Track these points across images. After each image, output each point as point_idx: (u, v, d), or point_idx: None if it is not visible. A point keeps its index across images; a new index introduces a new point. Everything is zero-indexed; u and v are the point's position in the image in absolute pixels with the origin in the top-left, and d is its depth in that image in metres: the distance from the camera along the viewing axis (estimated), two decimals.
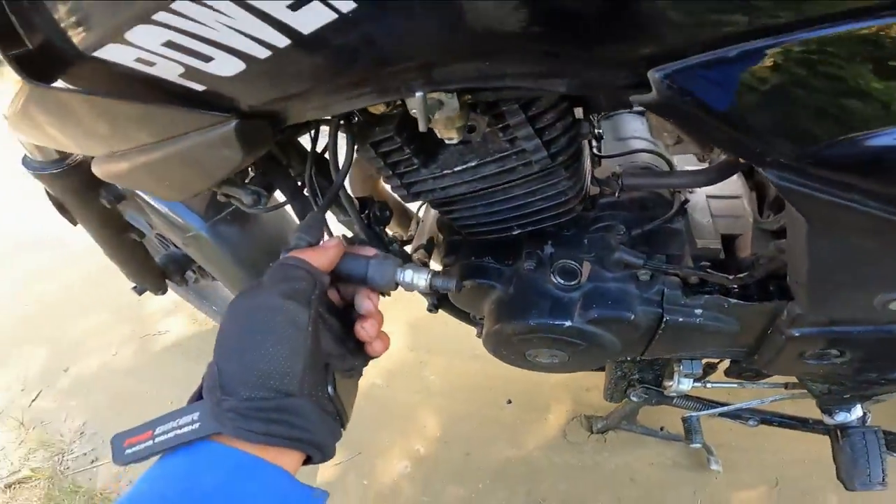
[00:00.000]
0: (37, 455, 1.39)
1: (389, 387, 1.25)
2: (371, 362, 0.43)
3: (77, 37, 0.33)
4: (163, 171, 0.45)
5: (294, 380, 0.34)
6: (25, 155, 0.75)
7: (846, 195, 0.32)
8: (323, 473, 1.13)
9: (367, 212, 0.57)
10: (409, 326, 1.36)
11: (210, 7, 0.28)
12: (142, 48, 0.32)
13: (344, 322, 0.40)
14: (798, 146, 0.30)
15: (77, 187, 0.77)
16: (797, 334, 0.50)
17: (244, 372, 0.34)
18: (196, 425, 0.33)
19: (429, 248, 0.70)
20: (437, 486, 1.09)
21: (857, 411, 0.66)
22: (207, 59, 0.32)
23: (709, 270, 0.52)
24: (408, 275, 0.41)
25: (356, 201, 0.57)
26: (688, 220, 0.58)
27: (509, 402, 1.20)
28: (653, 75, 0.27)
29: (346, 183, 0.57)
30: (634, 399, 0.80)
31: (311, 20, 0.28)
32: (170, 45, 0.31)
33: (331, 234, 0.48)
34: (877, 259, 0.39)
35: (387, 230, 0.63)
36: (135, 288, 1.06)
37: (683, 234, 0.56)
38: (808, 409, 0.75)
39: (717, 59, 0.26)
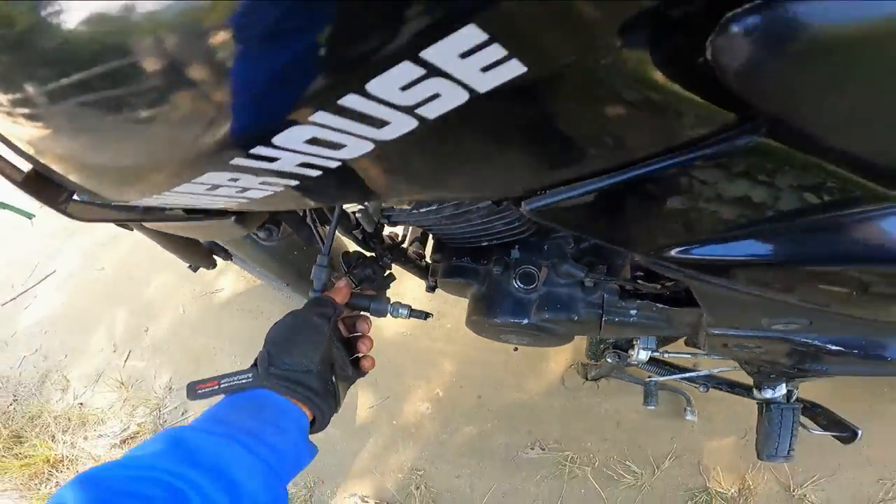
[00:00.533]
0: (138, 411, 1.60)
1: (413, 335, 1.43)
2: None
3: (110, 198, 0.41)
4: (188, 231, 0.61)
5: (314, 363, 0.54)
6: None
7: (698, 278, 0.41)
8: (359, 415, 1.35)
9: (360, 227, 0.69)
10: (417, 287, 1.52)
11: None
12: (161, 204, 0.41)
13: (346, 347, 0.61)
14: (645, 250, 0.39)
15: None
16: (716, 332, 0.61)
17: (285, 354, 0.53)
18: (250, 379, 0.52)
19: (423, 240, 0.83)
20: (453, 425, 1.30)
21: (782, 389, 0.75)
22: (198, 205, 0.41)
23: (640, 281, 0.62)
24: (395, 310, 0.64)
25: (352, 219, 0.68)
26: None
27: (515, 349, 1.34)
28: (524, 207, 0.37)
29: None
30: (609, 360, 0.93)
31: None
32: (170, 202, 0.40)
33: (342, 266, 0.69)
34: (748, 302, 0.48)
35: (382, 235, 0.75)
36: (189, 266, 1.23)
37: None
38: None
39: (566, 197, 0.35)
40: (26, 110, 0.29)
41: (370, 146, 0.28)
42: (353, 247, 0.74)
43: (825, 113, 0.26)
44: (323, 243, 0.66)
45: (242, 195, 0.36)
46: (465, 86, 0.23)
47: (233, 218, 0.50)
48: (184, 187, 0.34)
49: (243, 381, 0.53)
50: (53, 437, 1.57)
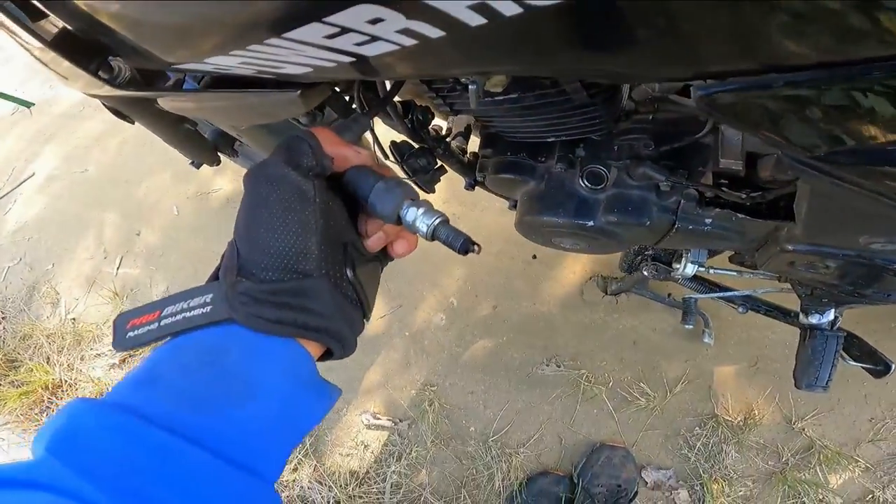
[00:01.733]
0: None
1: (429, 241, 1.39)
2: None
3: (165, 58, 0.35)
4: (229, 113, 0.52)
5: (310, 259, 0.32)
6: None
7: (844, 181, 0.37)
8: (370, 325, 1.33)
9: (410, 115, 0.63)
10: (445, 180, 1.45)
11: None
12: (220, 65, 0.34)
13: (356, 208, 0.38)
14: (808, 149, 0.35)
15: (130, 98, 0.76)
16: (791, 248, 0.57)
17: (258, 251, 0.32)
18: (207, 308, 0.31)
19: (466, 135, 0.76)
20: (468, 337, 1.29)
21: (830, 315, 0.74)
22: (278, 67, 0.34)
23: (725, 189, 0.57)
24: (411, 213, 0.35)
25: (399, 106, 0.62)
26: (718, 137, 0.61)
27: (534, 257, 1.32)
28: (694, 93, 0.32)
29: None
30: (646, 273, 0.91)
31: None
32: (245, 64, 0.33)
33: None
34: (864, 217, 0.45)
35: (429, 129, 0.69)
36: (192, 163, 1.13)
37: (710, 150, 0.60)
38: (794, 302, 0.85)
39: (747, 86, 0.30)
40: None
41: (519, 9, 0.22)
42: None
43: None
44: (372, 131, 0.59)
45: (360, 49, 0.29)
46: None
47: (298, 92, 0.41)
48: (304, 32, 0.27)
49: (195, 312, 0.32)
50: (48, 358, 1.53)
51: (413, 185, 0.42)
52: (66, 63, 0.36)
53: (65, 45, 0.34)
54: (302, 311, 0.32)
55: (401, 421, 1.27)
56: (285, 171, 0.33)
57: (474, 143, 0.75)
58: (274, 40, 0.29)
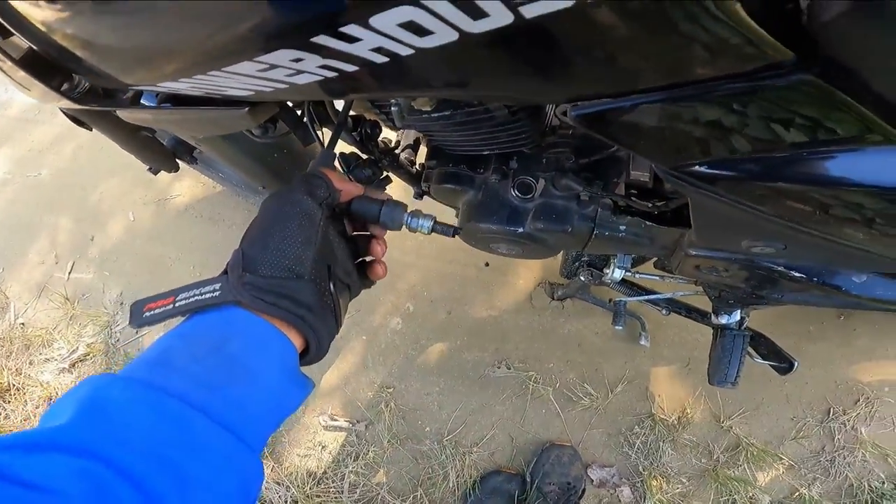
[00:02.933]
0: (87, 330, 1.51)
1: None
2: None
3: (122, 79, 0.39)
4: (186, 125, 0.56)
5: (305, 265, 0.40)
6: None
7: (707, 191, 0.44)
8: None
9: (359, 129, 0.68)
10: (403, 196, 1.50)
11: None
12: (171, 88, 0.39)
13: (350, 243, 0.48)
14: (670, 164, 0.42)
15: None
16: (693, 253, 0.65)
17: (266, 254, 0.39)
18: (216, 293, 0.38)
19: (415, 147, 0.81)
20: (423, 341, 1.34)
21: (737, 316, 0.82)
22: (224, 90, 0.40)
23: (634, 198, 0.65)
24: (414, 221, 0.51)
25: (349, 120, 0.67)
26: (630, 151, 0.69)
27: (487, 265, 1.38)
28: (570, 113, 0.38)
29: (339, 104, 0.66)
30: (582, 278, 0.98)
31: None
32: (194, 87, 0.39)
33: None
34: (740, 223, 0.52)
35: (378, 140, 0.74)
36: (150, 169, 1.14)
37: (623, 163, 0.68)
38: (709, 305, 0.93)
39: (608, 106, 0.36)
40: None
41: (455, 36, 0.27)
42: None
43: (881, 66, 0.29)
44: (321, 142, 0.64)
45: (290, 79, 0.34)
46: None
47: (246, 109, 0.46)
48: (238, 67, 0.32)
49: (206, 295, 0.38)
50: None
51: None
52: (28, 76, 0.40)
53: (30, 62, 0.38)
54: (293, 302, 0.39)
55: (358, 422, 1.30)
56: (303, 197, 0.42)
57: (422, 156, 0.80)
58: (215, 72, 0.33)
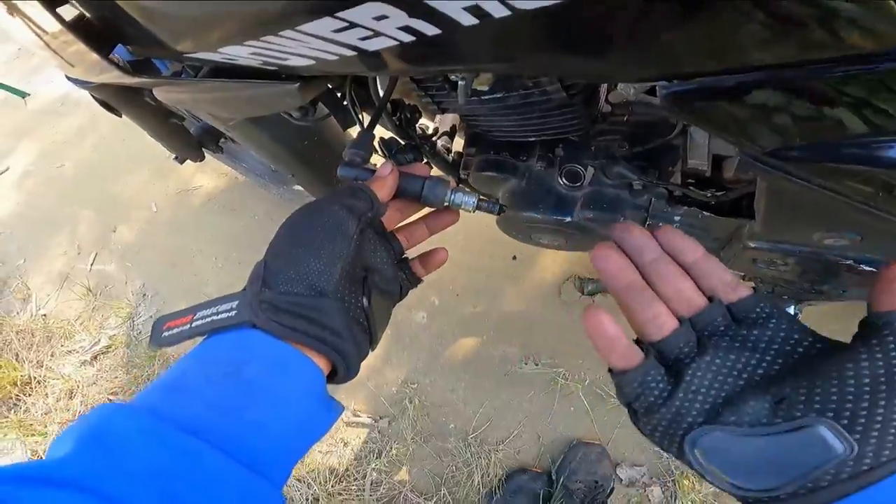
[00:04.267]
0: (109, 322, 1.51)
1: None
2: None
3: (178, 47, 0.38)
4: (226, 104, 0.53)
5: (330, 281, 0.36)
6: None
7: (795, 177, 0.41)
8: None
9: (398, 114, 0.66)
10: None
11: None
12: (230, 55, 0.37)
13: (389, 243, 0.44)
14: (760, 149, 0.39)
15: (121, 91, 0.80)
16: (752, 245, 0.62)
17: (288, 267, 0.36)
18: (232, 313, 0.35)
19: (451, 134, 0.79)
20: (449, 336, 1.31)
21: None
22: (284, 58, 0.37)
23: (692, 188, 0.62)
24: (458, 197, 0.47)
25: (388, 105, 0.65)
26: (686, 139, 0.66)
27: (514, 258, 1.35)
28: (660, 91, 0.35)
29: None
30: None
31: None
32: (255, 54, 0.36)
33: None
34: (818, 213, 0.49)
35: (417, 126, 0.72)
36: (175, 158, 1.15)
37: (679, 151, 0.65)
38: None
39: (705, 86, 0.33)
40: None
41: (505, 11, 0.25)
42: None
43: None
44: (362, 125, 0.61)
45: (362, 44, 0.32)
46: None
47: (297, 84, 0.43)
48: (315, 25, 0.29)
49: (223, 315, 0.35)
50: (17, 355, 1.49)
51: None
52: (76, 47, 0.38)
53: (81, 29, 0.36)
54: (314, 324, 0.35)
55: (381, 418, 1.28)
56: (338, 208, 0.38)
57: (458, 144, 0.78)
58: (288, 32, 0.31)
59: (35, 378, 1.46)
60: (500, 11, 0.27)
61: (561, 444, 1.20)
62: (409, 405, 1.27)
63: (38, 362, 1.49)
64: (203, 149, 1.17)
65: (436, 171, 0.76)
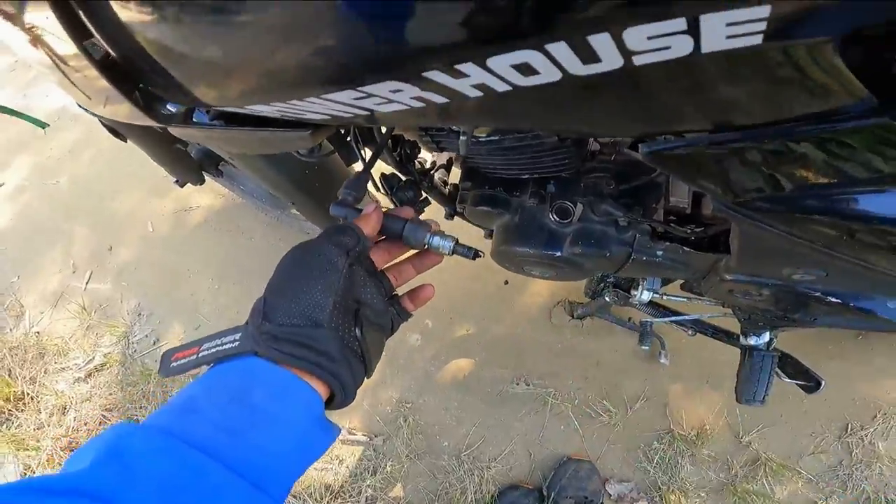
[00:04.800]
0: (104, 340, 1.51)
1: None
2: None
3: (205, 99, 0.41)
4: (238, 143, 0.57)
5: (324, 312, 0.39)
6: None
7: (762, 223, 0.46)
8: None
9: (399, 150, 0.69)
10: (424, 215, 1.51)
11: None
12: (254, 111, 0.41)
13: (380, 280, 0.47)
14: (731, 198, 0.43)
15: None
16: (729, 278, 0.66)
17: (285, 302, 0.39)
18: (236, 343, 0.39)
19: (448, 167, 0.82)
20: (442, 357, 1.34)
21: (766, 337, 0.83)
22: (303, 115, 0.41)
23: (673, 224, 0.66)
24: (436, 240, 0.50)
25: (389, 142, 0.68)
26: (669, 177, 0.70)
27: (506, 282, 1.39)
28: (641, 149, 0.39)
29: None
30: (607, 299, 0.99)
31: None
32: (277, 111, 0.40)
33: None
34: (785, 253, 0.53)
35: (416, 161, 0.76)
36: (176, 181, 1.18)
37: (662, 189, 0.69)
38: (736, 326, 0.93)
39: (682, 144, 0.38)
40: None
41: (557, 77, 0.29)
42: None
43: None
44: (364, 161, 0.65)
45: (377, 107, 0.36)
46: (697, 41, 0.25)
47: (310, 131, 0.47)
48: (339, 95, 0.33)
49: (227, 346, 0.39)
50: (10, 371, 1.49)
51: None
52: (100, 84, 0.39)
53: (107, 67, 0.38)
54: (311, 351, 0.38)
55: (376, 436, 1.30)
56: (327, 245, 0.42)
57: (455, 175, 0.82)
58: (313, 98, 0.35)
59: (28, 394, 1.46)
60: (502, 87, 0.31)
61: (552, 461, 1.23)
62: (403, 424, 1.29)
63: (31, 378, 1.49)
64: (203, 172, 1.21)
65: (434, 205, 0.80)
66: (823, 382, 0.86)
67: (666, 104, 0.32)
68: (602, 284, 0.98)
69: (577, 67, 0.28)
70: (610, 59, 0.26)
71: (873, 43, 0.26)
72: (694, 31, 0.23)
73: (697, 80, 0.29)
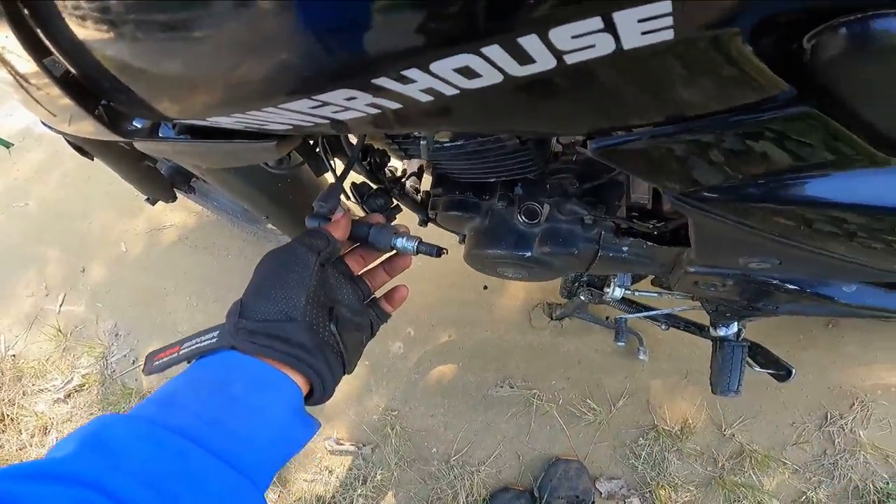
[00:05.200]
0: (82, 361, 1.49)
1: None
2: None
3: (168, 113, 0.41)
4: (205, 157, 0.58)
5: (297, 308, 0.41)
6: None
7: (712, 213, 0.48)
8: None
9: (369, 159, 0.71)
10: (400, 221, 1.51)
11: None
12: (215, 122, 0.41)
13: (357, 283, 0.50)
14: (678, 190, 0.45)
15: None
16: (692, 270, 0.69)
17: (260, 300, 0.42)
18: (214, 339, 0.41)
19: (419, 175, 0.84)
20: (426, 364, 1.35)
21: (734, 328, 0.86)
22: (265, 125, 0.42)
23: (635, 220, 0.68)
24: (400, 242, 0.53)
25: (359, 153, 0.69)
26: (629, 175, 0.73)
27: (485, 287, 1.40)
28: (590, 145, 0.41)
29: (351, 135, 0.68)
30: (583, 297, 1.01)
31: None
32: (238, 122, 0.41)
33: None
34: (737, 242, 0.55)
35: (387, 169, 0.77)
36: (147, 199, 1.14)
37: (623, 187, 0.72)
38: (706, 320, 0.96)
39: (629, 139, 0.40)
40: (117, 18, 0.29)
41: (499, 79, 0.30)
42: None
43: (870, 97, 0.33)
44: (334, 172, 0.66)
45: (335, 115, 0.37)
46: (617, 39, 0.27)
47: (275, 142, 0.48)
48: (295, 104, 0.34)
49: (206, 342, 0.41)
50: None
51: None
52: (63, 101, 0.39)
53: (69, 84, 0.38)
54: (286, 343, 0.41)
55: (364, 445, 1.30)
56: (300, 248, 0.45)
57: (426, 182, 0.83)
58: (270, 108, 0.36)
59: (8, 416, 1.45)
60: (450, 91, 0.33)
61: (540, 462, 1.25)
62: (390, 432, 1.29)
63: (9, 401, 1.47)
64: (175, 189, 1.19)
65: (406, 212, 0.81)
66: (794, 371, 0.89)
67: (604, 101, 0.34)
68: (576, 284, 1.00)
69: (515, 69, 0.29)
70: (543, 59, 0.28)
71: (786, 32, 0.28)
72: (612, 29, 0.25)
73: (627, 76, 0.31)
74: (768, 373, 0.92)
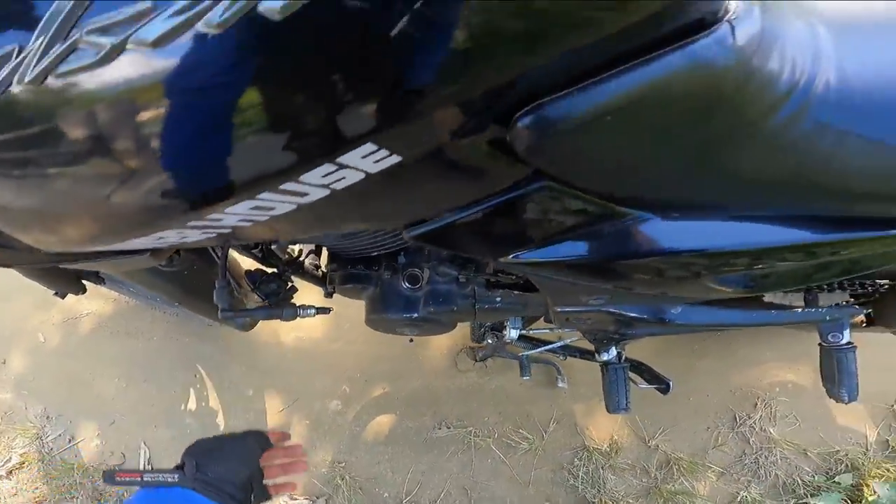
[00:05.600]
0: (17, 442, 1.47)
1: (313, 339, 1.48)
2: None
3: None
4: (93, 266, 0.66)
5: (240, 478, 0.65)
6: None
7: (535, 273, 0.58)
8: (272, 419, 1.41)
9: (258, 246, 0.78)
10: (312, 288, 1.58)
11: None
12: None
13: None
14: (490, 258, 0.55)
15: None
16: (558, 309, 0.79)
17: (215, 465, 0.63)
18: (176, 479, 0.60)
19: (318, 252, 0.93)
20: (364, 416, 1.40)
21: (613, 352, 0.97)
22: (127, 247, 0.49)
23: (500, 274, 0.79)
24: (302, 311, 0.74)
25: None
26: None
27: (411, 340, 1.46)
28: (406, 234, 0.50)
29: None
30: (489, 342, 1.11)
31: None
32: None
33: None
34: (567, 287, 0.66)
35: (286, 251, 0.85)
36: (56, 293, 1.12)
37: None
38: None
39: (435, 226, 0.48)
40: None
41: (293, 207, 0.40)
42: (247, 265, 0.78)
43: (576, 168, 0.42)
44: (223, 266, 0.73)
45: (182, 240, 0.45)
46: (358, 170, 0.36)
47: (147, 254, 0.55)
48: (140, 241, 0.42)
49: (170, 479, 0.60)
50: None
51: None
52: None
53: None
54: (231, 498, 0.62)
55: (317, 498, 1.33)
56: (251, 444, 0.70)
57: (325, 258, 0.91)
58: (117, 245, 0.43)
59: None
60: (285, 208, 0.41)
61: (488, 494, 1.31)
62: (341, 482, 1.33)
63: None
64: (84, 281, 1.10)
65: (311, 288, 0.88)
66: (671, 383, 1.00)
67: (383, 206, 0.44)
68: (482, 329, 1.10)
69: (307, 197, 0.38)
70: (316, 191, 0.38)
71: (495, 129, 0.35)
72: (345, 167, 0.34)
73: (390, 188, 0.40)
74: (654, 387, 1.03)
